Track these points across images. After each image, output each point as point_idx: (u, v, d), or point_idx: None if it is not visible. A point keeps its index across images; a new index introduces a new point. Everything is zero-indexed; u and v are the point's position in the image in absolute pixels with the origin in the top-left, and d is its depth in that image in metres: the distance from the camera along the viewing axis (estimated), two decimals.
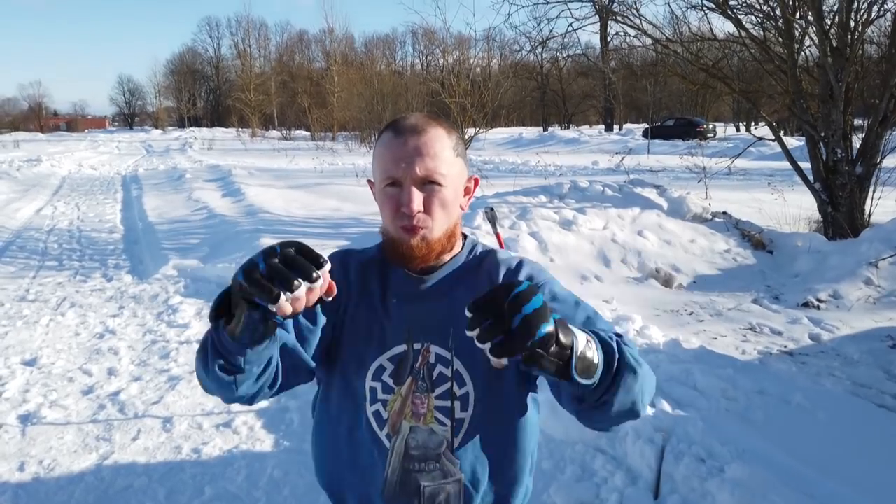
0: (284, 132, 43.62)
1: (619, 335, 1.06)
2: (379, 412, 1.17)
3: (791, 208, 8.86)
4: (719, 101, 35.39)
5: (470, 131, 14.87)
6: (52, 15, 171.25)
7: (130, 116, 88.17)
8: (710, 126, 32.98)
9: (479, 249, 1.29)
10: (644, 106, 37.02)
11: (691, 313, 5.83)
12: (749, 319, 5.56)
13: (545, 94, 53.45)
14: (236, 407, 3.88)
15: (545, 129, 46.69)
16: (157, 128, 67.21)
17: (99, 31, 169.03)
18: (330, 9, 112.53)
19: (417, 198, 1.14)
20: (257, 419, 3.73)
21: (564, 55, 32.47)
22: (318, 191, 13.07)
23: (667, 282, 6.79)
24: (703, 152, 10.86)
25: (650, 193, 8.48)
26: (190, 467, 3.26)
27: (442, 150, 1.16)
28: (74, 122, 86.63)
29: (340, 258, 1.28)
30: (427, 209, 1.15)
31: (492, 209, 3.85)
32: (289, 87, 53.76)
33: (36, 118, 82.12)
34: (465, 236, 1.30)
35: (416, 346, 1.18)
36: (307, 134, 39.17)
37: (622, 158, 12.39)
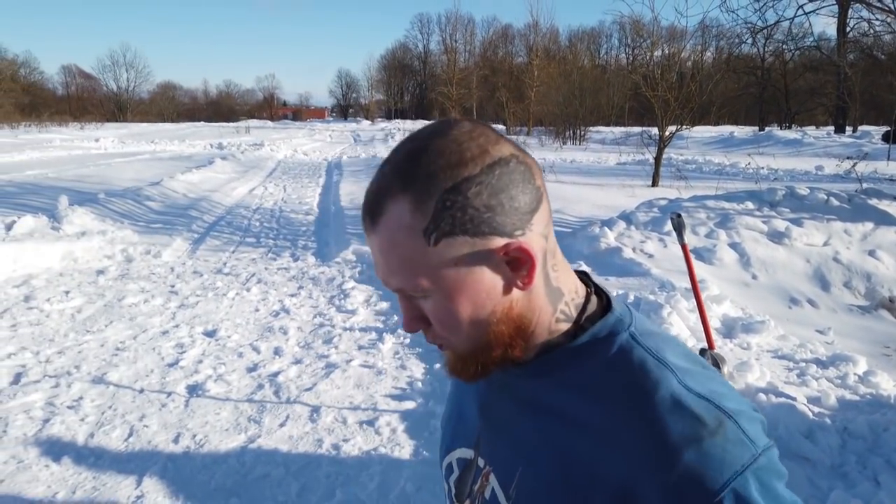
0: None
1: None
2: None
3: None
4: None
5: (671, 128, 13.77)
6: (288, 14, 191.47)
7: (346, 108, 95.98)
8: None
9: (623, 348, 0.70)
10: (886, 105, 32.09)
11: None
12: None
13: (764, 89, 48.61)
14: (382, 405, 3.73)
15: (761, 129, 42.47)
16: (367, 119, 72.32)
17: (326, 28, 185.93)
18: (536, 2, 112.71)
19: (407, 312, 0.72)
20: (401, 421, 3.54)
21: (792, 47, 29.14)
22: None
23: None
24: None
25: (889, 207, 7.10)
26: (327, 464, 3.14)
27: (406, 251, 0.66)
28: (299, 112, 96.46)
29: None
30: (431, 322, 0.72)
31: (679, 216, 3.27)
32: (489, 81, 54.69)
33: (268, 108, 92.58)
34: (605, 297, 0.77)
35: (480, 461, 0.81)
36: (503, 128, 39.50)
37: (854, 164, 10.71)
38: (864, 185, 8.44)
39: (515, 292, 0.70)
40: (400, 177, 0.66)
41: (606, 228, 6.94)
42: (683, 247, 3.29)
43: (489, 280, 0.68)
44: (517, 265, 0.68)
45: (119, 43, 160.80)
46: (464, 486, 0.83)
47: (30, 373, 4.07)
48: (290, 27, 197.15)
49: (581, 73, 37.83)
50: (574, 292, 0.74)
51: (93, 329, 4.90)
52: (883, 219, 6.83)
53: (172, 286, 6.10)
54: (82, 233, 7.79)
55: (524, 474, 0.73)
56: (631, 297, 4.93)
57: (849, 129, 39.23)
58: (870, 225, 6.67)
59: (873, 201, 7.29)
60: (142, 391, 3.85)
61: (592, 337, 0.72)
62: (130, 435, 3.33)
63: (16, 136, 33.21)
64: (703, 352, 3.25)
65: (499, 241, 0.66)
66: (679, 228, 3.27)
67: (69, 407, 3.62)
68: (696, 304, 3.34)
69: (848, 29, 32.02)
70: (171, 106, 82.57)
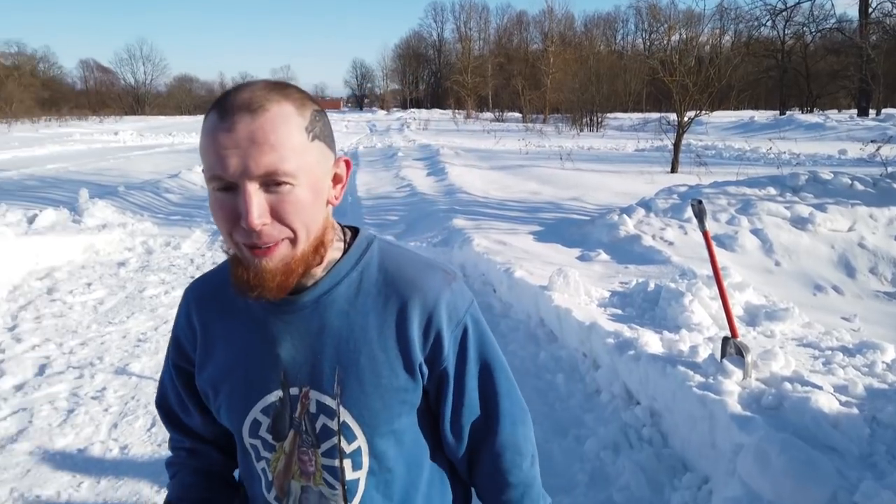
0: (497, 114, 44.16)
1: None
2: (265, 470, 0.97)
3: None
4: None
5: (690, 113, 13.58)
6: (302, 5, 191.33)
7: (361, 98, 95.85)
8: None
9: (374, 255, 0.96)
10: None
11: None
12: None
13: (785, 73, 47.78)
14: None
15: (782, 113, 41.77)
16: (382, 109, 72.24)
17: (340, 18, 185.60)
18: None
19: (259, 205, 0.80)
20: None
21: (812, 29, 28.59)
22: (519, 173, 12.81)
23: None
24: None
25: None
26: None
27: (289, 135, 0.81)
28: None
29: (186, 301, 1.06)
30: (278, 217, 0.82)
31: (700, 202, 3.21)
32: (505, 69, 54.29)
33: None
34: (353, 231, 1.00)
35: (293, 390, 0.93)
36: (519, 116, 39.23)
37: (878, 148, 10.47)
38: (890, 169, 8.25)
39: (329, 207, 0.90)
40: (275, 90, 0.84)
41: (625, 216, 6.87)
42: (705, 234, 3.23)
43: (328, 185, 0.89)
44: (337, 180, 0.91)
45: (136, 37, 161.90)
46: (282, 423, 0.93)
47: (54, 364, 4.12)
48: (304, 18, 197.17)
49: (597, 59, 37.44)
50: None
51: (115, 320, 4.95)
52: None
53: (192, 277, 6.13)
54: (103, 225, 7.87)
55: (341, 369, 0.90)
56: (651, 285, 4.87)
57: (872, 112, 38.48)
58: None
59: None
60: None
61: (364, 245, 0.96)
62: (153, 425, 3.36)
63: (36, 131, 33.64)
64: (726, 340, 3.20)
65: (334, 156, 0.90)
66: (700, 215, 3.20)
67: (93, 398, 3.66)
68: (718, 291, 3.28)
69: (870, 10, 31.34)
70: (188, 98, 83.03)
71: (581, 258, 6.05)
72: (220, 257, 6.86)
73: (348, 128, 37.71)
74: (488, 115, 46.34)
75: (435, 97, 76.99)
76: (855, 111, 41.44)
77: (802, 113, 40.80)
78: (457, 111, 49.67)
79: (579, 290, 4.71)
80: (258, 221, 0.80)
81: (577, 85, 31.58)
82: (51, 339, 4.55)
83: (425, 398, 0.98)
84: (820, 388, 2.98)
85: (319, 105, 0.89)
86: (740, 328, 3.77)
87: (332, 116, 56.85)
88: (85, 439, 3.21)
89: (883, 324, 4.92)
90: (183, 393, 1.07)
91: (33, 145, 21.20)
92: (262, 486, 0.99)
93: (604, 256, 6.00)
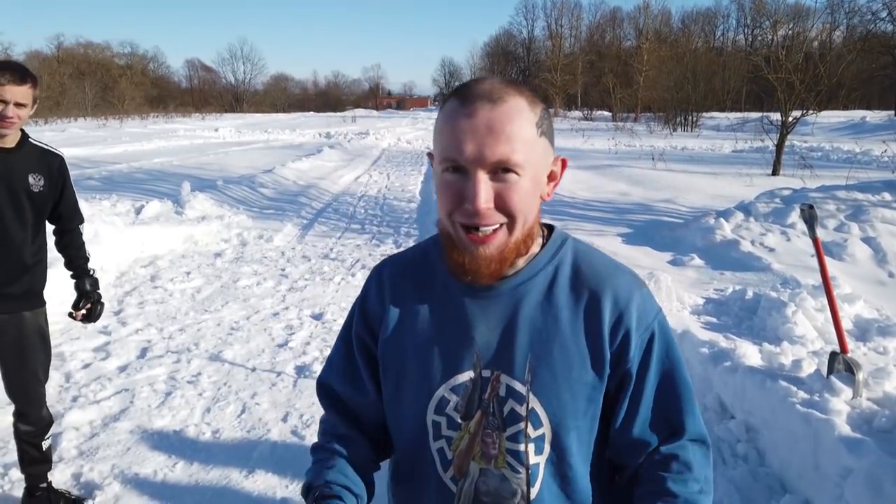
0: (586, 112, 43.34)
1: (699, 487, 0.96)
2: (443, 450, 0.99)
3: None
4: None
5: (795, 113, 12.82)
6: (394, 4, 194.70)
7: (448, 96, 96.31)
8: None
9: (568, 251, 1.01)
10: None
11: None
12: None
13: None
14: None
15: None
16: None
17: (430, 17, 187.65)
18: None
19: (486, 190, 0.87)
20: None
21: None
22: (608, 173, 12.49)
23: None
24: None
25: None
26: None
27: (522, 128, 0.88)
28: (403, 101, 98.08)
29: (378, 276, 1.08)
30: (500, 204, 0.89)
31: (811, 207, 2.99)
32: (596, 66, 53.19)
33: (373, 97, 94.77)
34: (549, 228, 1.04)
35: (485, 373, 0.97)
36: (608, 115, 38.34)
37: None
38: None
39: (540, 201, 0.96)
40: (511, 85, 0.91)
41: (722, 219, 6.55)
42: (815, 241, 3.01)
43: (544, 181, 0.95)
44: (551, 177, 0.97)
45: (237, 37, 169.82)
46: (471, 402, 0.97)
47: (154, 348, 4.35)
48: (395, 17, 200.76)
49: (694, 56, 36.04)
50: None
51: (210, 308, 5.18)
52: None
53: (283, 270, 6.34)
54: (202, 217, 8.27)
55: (533, 357, 0.94)
56: (750, 294, 4.61)
57: None
58: None
59: None
60: (254, 370, 4.02)
61: (559, 242, 1.01)
62: (243, 412, 3.47)
63: (145, 126, 35.88)
64: (834, 355, 2.97)
65: (553, 154, 0.97)
66: (811, 221, 2.98)
67: (188, 382, 3.83)
68: (826, 302, 3.05)
69: None
70: (283, 96, 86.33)
71: (673, 262, 5.81)
72: (309, 251, 7.09)
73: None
74: (577, 113, 45.55)
75: None
76: None
77: None
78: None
79: (671, 296, 4.52)
80: (484, 206, 0.87)
81: (671, 83, 30.52)
82: (152, 324, 4.80)
83: (604, 399, 0.99)
84: None
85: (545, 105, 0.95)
86: (850, 343, 3.50)
87: (420, 115, 57.50)
88: (180, 422, 3.36)
89: None
90: (360, 365, 1.07)
91: (142, 140, 22.62)
92: (435, 467, 1.00)
93: (697, 261, 5.74)
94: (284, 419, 3.41)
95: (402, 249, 1.12)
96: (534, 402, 0.94)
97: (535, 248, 0.99)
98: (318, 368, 4.02)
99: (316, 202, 10.57)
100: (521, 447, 0.95)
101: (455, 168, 0.88)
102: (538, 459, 0.96)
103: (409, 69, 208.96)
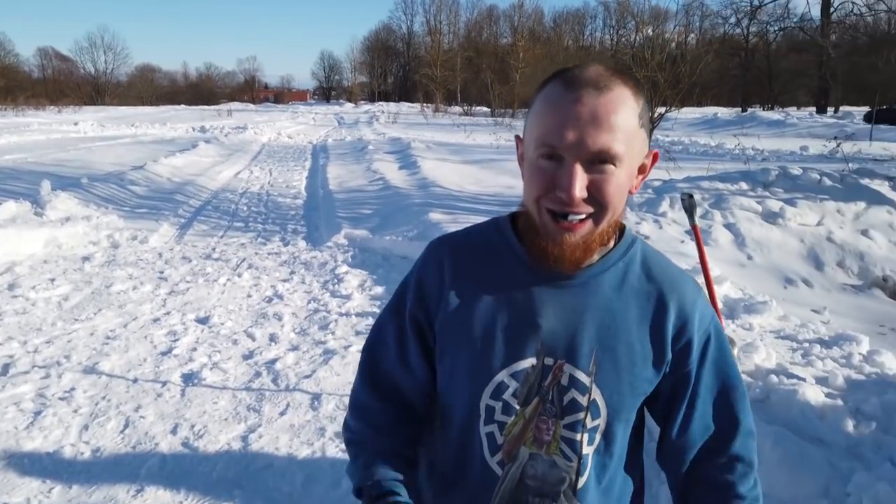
0: (466, 108, 44.10)
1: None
2: (493, 434, 0.99)
3: None
4: None
5: (660, 109, 13.72)
6: None
7: (328, 90, 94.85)
8: None
9: (638, 251, 1.02)
10: (867, 87, 32.31)
11: None
12: None
13: (748, 71, 48.69)
14: None
15: (744, 110, 42.59)
16: (350, 101, 71.59)
17: (308, 9, 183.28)
18: None
19: (581, 179, 0.86)
20: None
21: (775, 28, 29.16)
22: (492, 167, 12.79)
23: None
24: None
25: (881, 186, 7.14)
26: (331, 453, 3.07)
27: (625, 118, 0.86)
28: (281, 95, 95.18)
29: (437, 253, 1.04)
30: (592, 194, 0.87)
31: (690, 196, 3.21)
32: (474, 63, 54.19)
33: (249, 90, 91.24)
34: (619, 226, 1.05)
35: (548, 360, 0.96)
36: (487, 110, 39.25)
37: (839, 144, 10.73)
38: (850, 165, 8.45)
39: (628, 195, 0.93)
40: (617, 73, 0.89)
41: None
42: (694, 228, 3.23)
43: (635, 173, 0.93)
44: (641, 169, 0.95)
45: (97, 25, 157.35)
46: (530, 389, 0.96)
47: (18, 363, 3.95)
48: (271, 6, 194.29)
49: (566, 54, 37.66)
50: None
51: (81, 317, 4.77)
52: (875, 198, 6.84)
53: (161, 272, 5.97)
54: (66, 218, 7.60)
55: (599, 350, 0.95)
56: None
57: (830, 110, 39.49)
58: (862, 204, 6.67)
59: (865, 181, 7.30)
60: (136, 381, 3.75)
61: (630, 241, 1.01)
62: (126, 426, 3.23)
63: None
64: None
65: (648, 147, 0.95)
66: (690, 209, 3.20)
67: (61, 398, 3.51)
68: (704, 284, 3.29)
69: (833, 8, 32.08)
70: (151, 89, 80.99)
71: None
72: (189, 251, 6.71)
73: (316, 120, 37.22)
74: (457, 108, 46.24)
75: (403, 90, 76.57)
76: (814, 109, 42.50)
77: (764, 110, 41.66)
78: (425, 105, 49.44)
79: None
80: (578, 196, 0.86)
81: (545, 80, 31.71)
82: (13, 338, 4.36)
83: (652, 401, 1.02)
84: (803, 380, 3.01)
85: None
86: (722, 321, 3.80)
87: (300, 109, 56.07)
88: (54, 442, 3.07)
89: (850, 315, 5.03)
90: (412, 345, 1.04)
91: None
92: (483, 450, 0.99)
93: None
94: (174, 431, 3.21)
95: (454, 230, 1.10)
96: (595, 394, 0.95)
97: (610, 244, 0.99)
98: (207, 375, 3.82)
99: (194, 200, 10.02)
100: (578, 436, 0.96)
101: (549, 155, 0.87)
102: (589, 450, 0.97)
103: (287, 62, 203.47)
